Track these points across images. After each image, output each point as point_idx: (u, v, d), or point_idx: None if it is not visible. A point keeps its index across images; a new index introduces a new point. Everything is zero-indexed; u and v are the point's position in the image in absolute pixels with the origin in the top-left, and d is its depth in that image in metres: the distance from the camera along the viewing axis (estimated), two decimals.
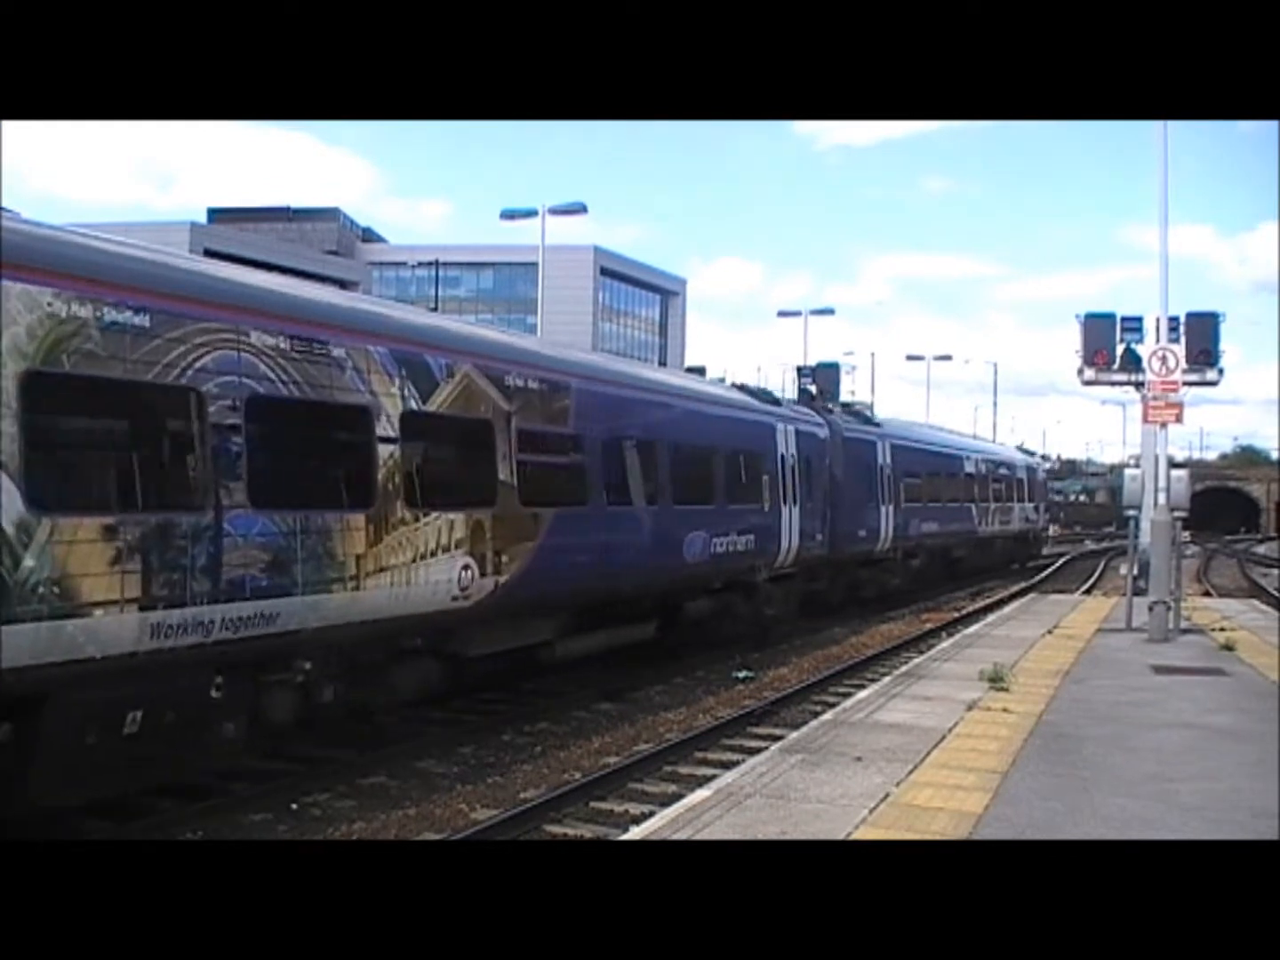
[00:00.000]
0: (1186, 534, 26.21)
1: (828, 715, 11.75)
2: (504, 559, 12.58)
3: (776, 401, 23.02)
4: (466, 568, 11.95)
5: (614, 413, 15.54)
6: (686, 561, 16.78)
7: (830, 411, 26.56)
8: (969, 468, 37.33)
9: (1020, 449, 56.87)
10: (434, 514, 11.52)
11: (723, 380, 25.71)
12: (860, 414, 30.63)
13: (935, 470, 33.12)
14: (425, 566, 11.31)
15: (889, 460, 28.25)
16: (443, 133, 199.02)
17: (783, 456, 20.99)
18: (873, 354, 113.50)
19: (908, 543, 29.55)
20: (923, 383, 71.57)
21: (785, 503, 20.79)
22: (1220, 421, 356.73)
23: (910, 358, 75.66)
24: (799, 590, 22.65)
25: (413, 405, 11.30)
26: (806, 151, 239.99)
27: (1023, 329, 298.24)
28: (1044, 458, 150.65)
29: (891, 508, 27.94)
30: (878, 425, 29.86)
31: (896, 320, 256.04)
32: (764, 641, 20.45)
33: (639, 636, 16.73)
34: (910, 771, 8.97)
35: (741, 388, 22.32)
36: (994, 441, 60.56)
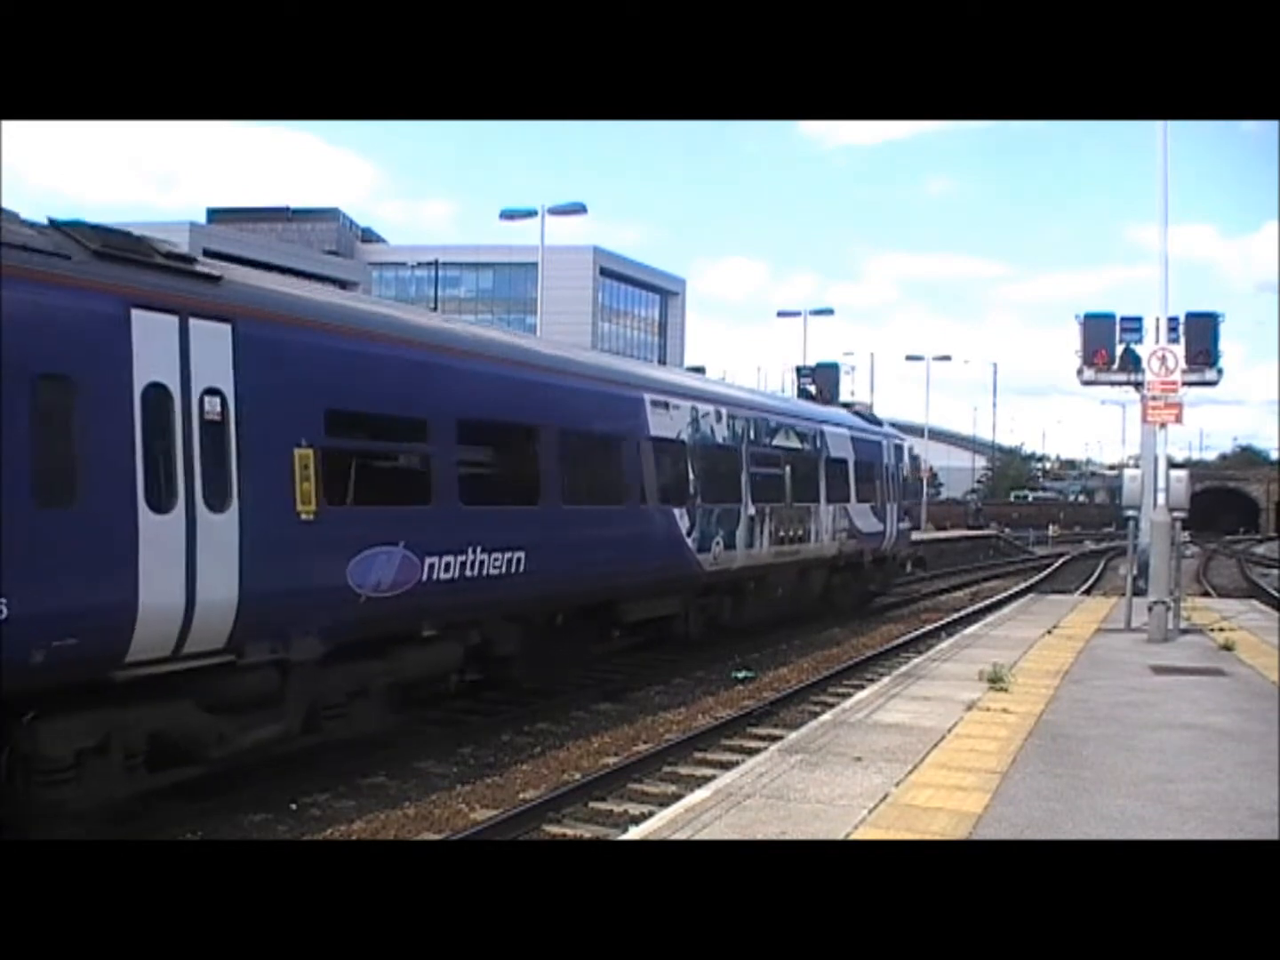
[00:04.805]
0: (1186, 534, 25.97)
1: (827, 715, 11.74)
2: None
3: None
4: None
5: None
6: None
7: None
8: (661, 426, 16.80)
9: (862, 413, 31.17)
10: None
11: None
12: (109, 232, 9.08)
13: (502, 422, 13.50)
14: None
15: (229, 372, 9.53)
16: (444, 133, 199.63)
17: None
18: (872, 354, 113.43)
19: (333, 621, 10.53)
20: (928, 382, 71.97)
21: None
22: (1223, 422, 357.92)
23: (910, 358, 75.70)
24: None
25: None
26: (812, 152, 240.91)
27: (1024, 329, 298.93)
28: (1040, 458, 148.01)
29: (221, 520, 9.31)
30: (179, 263, 9.51)
31: (899, 320, 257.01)
32: None
33: None
34: (910, 772, 8.96)
35: None
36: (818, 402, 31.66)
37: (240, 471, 9.54)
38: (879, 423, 30.18)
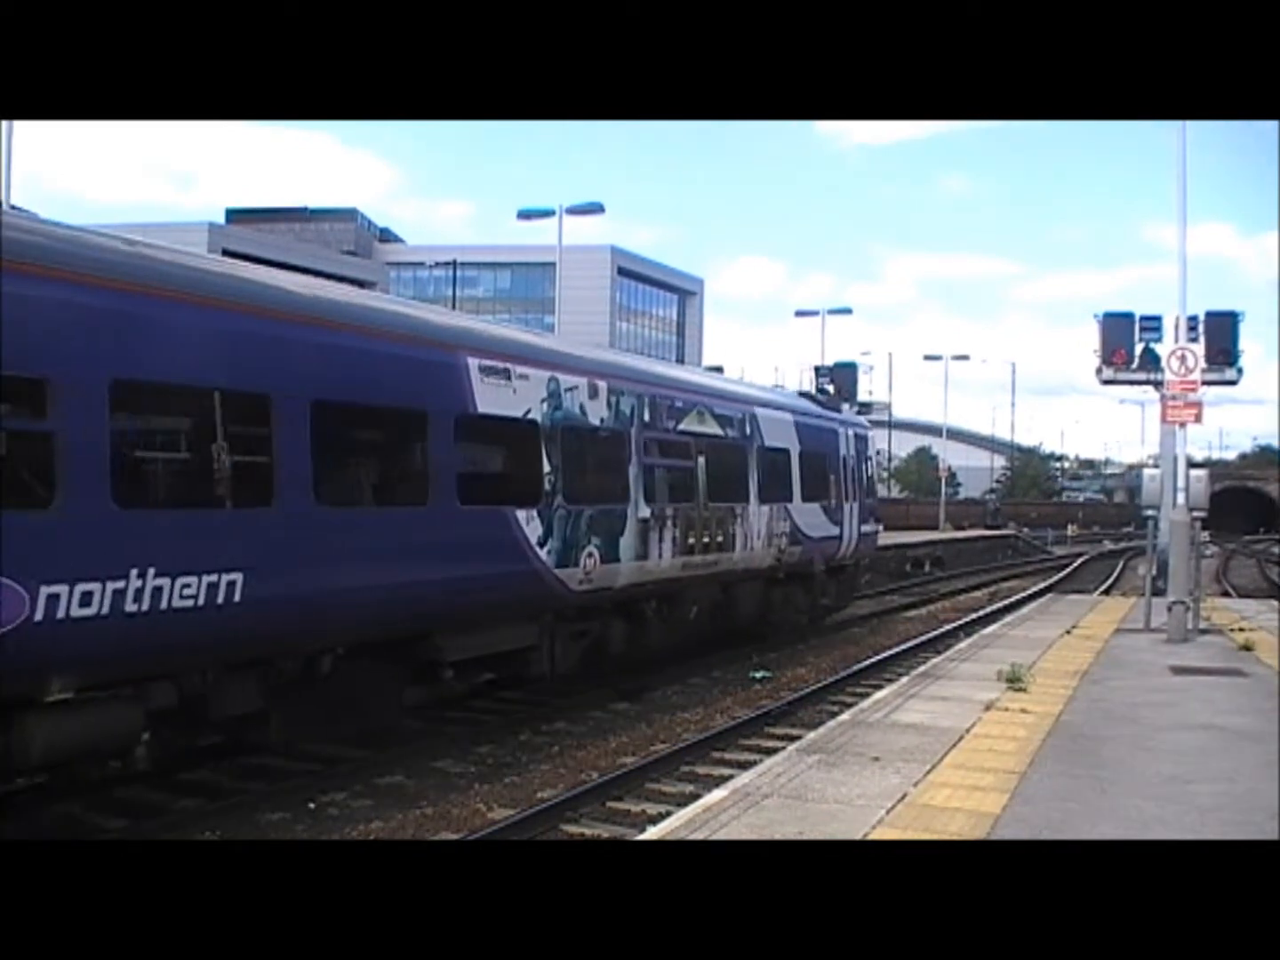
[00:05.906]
0: (1205, 534, 25.83)
1: (845, 715, 11.71)
2: None
3: None
4: None
5: None
6: None
7: None
8: (498, 401, 12.63)
9: (814, 396, 27.48)
10: None
11: None
12: None
13: (206, 389, 9.33)
14: None
15: None
16: (462, 133, 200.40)
17: None
18: (890, 353, 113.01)
19: None
20: (946, 382, 72.15)
21: None
22: (1243, 421, 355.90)
23: (928, 357, 75.47)
24: None
25: None
26: (829, 151, 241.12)
27: (1042, 328, 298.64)
28: (1058, 457, 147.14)
29: None
30: None
31: (916, 319, 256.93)
32: None
33: None
34: (928, 772, 8.94)
35: None
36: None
37: None
38: (837, 408, 25.74)
